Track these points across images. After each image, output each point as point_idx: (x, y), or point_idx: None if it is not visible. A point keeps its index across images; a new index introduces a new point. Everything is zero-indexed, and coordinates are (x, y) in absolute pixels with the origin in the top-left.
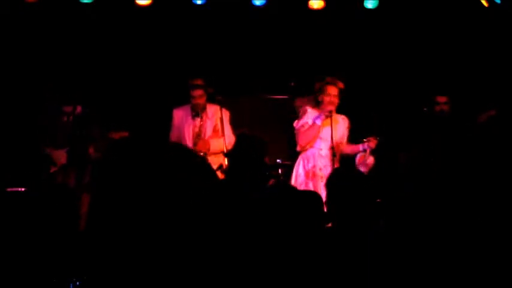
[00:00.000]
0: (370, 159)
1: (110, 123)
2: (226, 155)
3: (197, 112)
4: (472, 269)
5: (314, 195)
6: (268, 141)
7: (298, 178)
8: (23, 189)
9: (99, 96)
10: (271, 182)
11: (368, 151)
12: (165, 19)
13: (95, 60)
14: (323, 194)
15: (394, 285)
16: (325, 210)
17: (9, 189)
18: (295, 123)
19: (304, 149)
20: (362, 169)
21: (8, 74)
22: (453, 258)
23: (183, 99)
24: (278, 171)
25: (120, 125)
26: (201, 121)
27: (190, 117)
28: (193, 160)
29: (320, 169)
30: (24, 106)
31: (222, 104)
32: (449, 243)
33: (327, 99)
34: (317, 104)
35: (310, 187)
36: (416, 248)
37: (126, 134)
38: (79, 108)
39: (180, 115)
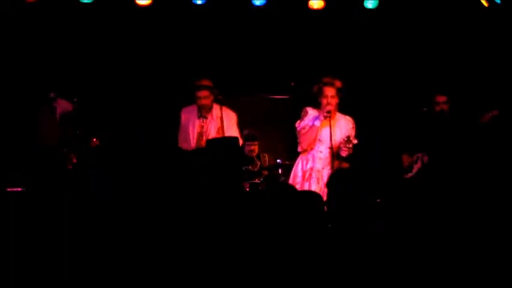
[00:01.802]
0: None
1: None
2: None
3: (201, 112)
4: (471, 269)
5: (315, 195)
6: (268, 141)
7: (296, 178)
8: (23, 189)
9: (98, 95)
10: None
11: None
12: (165, 19)
13: (95, 60)
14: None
15: (393, 285)
16: (325, 210)
17: (9, 189)
18: (296, 124)
19: (306, 151)
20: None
21: (8, 73)
22: (453, 258)
23: (183, 99)
24: (278, 171)
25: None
26: (203, 122)
27: (196, 117)
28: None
29: (318, 171)
30: (24, 105)
31: (223, 104)
32: (449, 243)
33: (324, 101)
34: (318, 105)
35: (306, 188)
36: (416, 248)
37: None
38: (76, 107)
39: (186, 115)
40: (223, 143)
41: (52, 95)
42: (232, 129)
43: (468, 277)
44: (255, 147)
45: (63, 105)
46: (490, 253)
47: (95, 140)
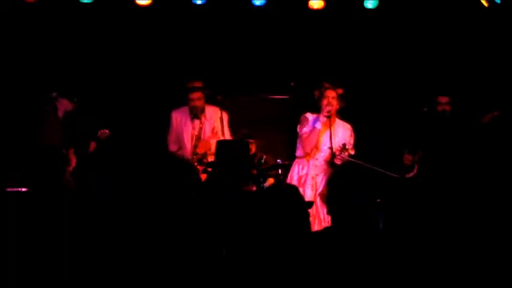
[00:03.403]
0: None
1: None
2: (208, 165)
3: (196, 114)
4: (471, 269)
5: (291, 187)
6: (268, 141)
7: (291, 182)
8: (23, 189)
9: (98, 95)
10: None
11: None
12: (165, 19)
13: (95, 61)
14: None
15: (393, 285)
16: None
17: (9, 189)
18: (298, 129)
19: (309, 155)
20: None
21: (7, 74)
22: (453, 258)
23: (184, 99)
24: (278, 171)
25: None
26: (200, 123)
27: (189, 120)
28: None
29: (312, 177)
30: (24, 105)
31: (222, 105)
32: (449, 243)
33: (325, 101)
34: (318, 110)
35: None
36: (416, 247)
37: (107, 132)
38: (77, 107)
39: (178, 117)
40: (233, 146)
41: (54, 94)
42: (224, 129)
43: (468, 276)
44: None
45: (65, 105)
46: (490, 253)
47: (93, 143)
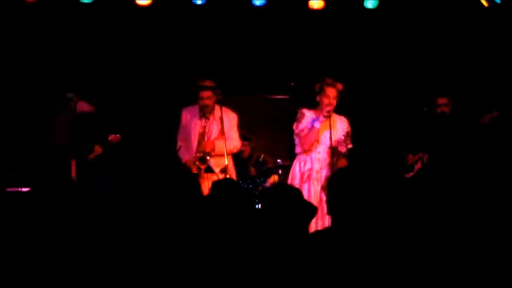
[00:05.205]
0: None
1: (107, 124)
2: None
3: (203, 113)
4: (471, 270)
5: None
6: (268, 141)
7: (294, 180)
8: (24, 189)
9: (98, 96)
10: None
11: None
12: (165, 19)
13: (95, 61)
14: (317, 196)
15: (393, 285)
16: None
17: (9, 189)
18: (294, 127)
19: (307, 153)
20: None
21: (8, 74)
22: (453, 259)
23: (183, 99)
24: (278, 171)
25: (113, 127)
26: (205, 122)
27: (197, 118)
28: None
29: (317, 172)
30: (24, 105)
31: (223, 104)
32: (449, 244)
33: (325, 100)
34: (316, 105)
35: (305, 189)
36: (416, 247)
37: (118, 137)
38: (80, 107)
39: (188, 115)
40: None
41: (70, 95)
42: (232, 131)
43: (468, 277)
44: (245, 148)
45: (82, 106)
46: (490, 254)
47: (97, 147)
